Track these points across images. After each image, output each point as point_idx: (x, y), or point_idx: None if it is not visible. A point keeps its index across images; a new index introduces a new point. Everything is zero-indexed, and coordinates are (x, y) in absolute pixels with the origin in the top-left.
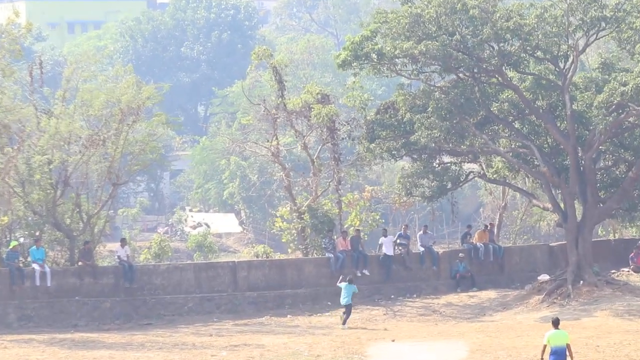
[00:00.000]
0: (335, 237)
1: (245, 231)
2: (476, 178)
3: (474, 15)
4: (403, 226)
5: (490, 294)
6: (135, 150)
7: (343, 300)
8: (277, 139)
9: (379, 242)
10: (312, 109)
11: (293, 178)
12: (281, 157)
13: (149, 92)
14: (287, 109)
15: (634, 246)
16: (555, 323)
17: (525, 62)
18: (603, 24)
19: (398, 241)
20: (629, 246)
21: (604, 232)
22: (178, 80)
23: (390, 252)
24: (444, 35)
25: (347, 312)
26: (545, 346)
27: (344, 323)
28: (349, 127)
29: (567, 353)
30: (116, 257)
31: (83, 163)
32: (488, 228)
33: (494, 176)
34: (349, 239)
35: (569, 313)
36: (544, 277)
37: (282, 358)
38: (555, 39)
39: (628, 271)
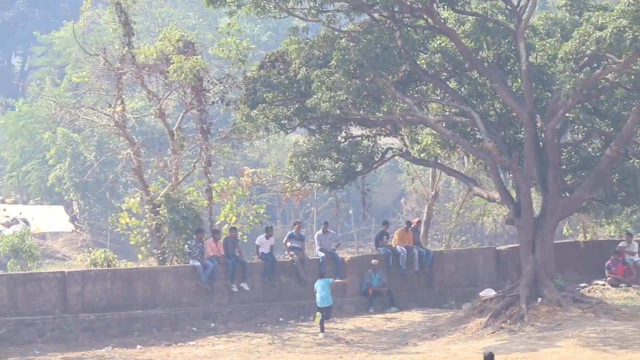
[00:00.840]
0: (204, 238)
1: (78, 230)
2: (396, 157)
3: None
4: (295, 223)
5: (414, 316)
6: None
7: (322, 301)
8: (122, 103)
9: (256, 243)
10: (171, 62)
11: (145, 157)
12: (128, 128)
13: None
14: (137, 61)
15: (612, 250)
16: (488, 358)
17: None
18: None
19: (289, 244)
20: (604, 250)
21: (571, 232)
22: None
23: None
24: None
25: (327, 315)
26: None
27: (322, 330)
28: (222, 87)
29: None
30: None
31: None
32: (412, 226)
33: (421, 155)
34: (221, 241)
35: (522, 341)
36: (488, 292)
37: None
38: None
39: (603, 285)
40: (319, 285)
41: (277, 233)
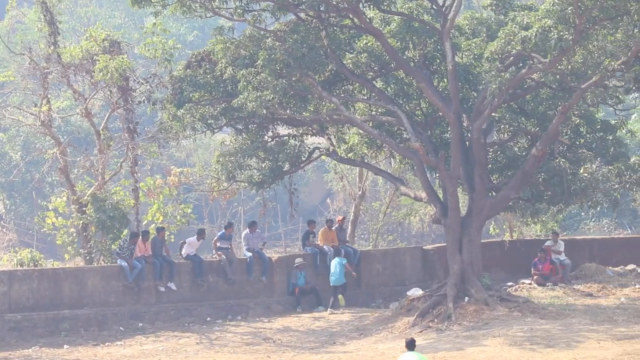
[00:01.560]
0: (140, 238)
1: (4, 230)
2: (323, 157)
3: None
4: (228, 226)
5: (342, 316)
6: None
7: (335, 280)
8: (48, 102)
9: (186, 242)
10: (97, 62)
11: (71, 157)
12: (54, 127)
13: None
14: (62, 61)
15: (539, 249)
16: (410, 345)
17: None
18: None
19: (218, 244)
20: (531, 250)
21: (497, 231)
22: None
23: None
24: None
25: (341, 291)
26: None
27: (333, 307)
28: (149, 87)
29: None
30: None
31: None
32: (336, 225)
33: (348, 154)
34: (149, 241)
35: (449, 340)
36: (416, 291)
37: None
38: None
39: (530, 284)
40: (333, 264)
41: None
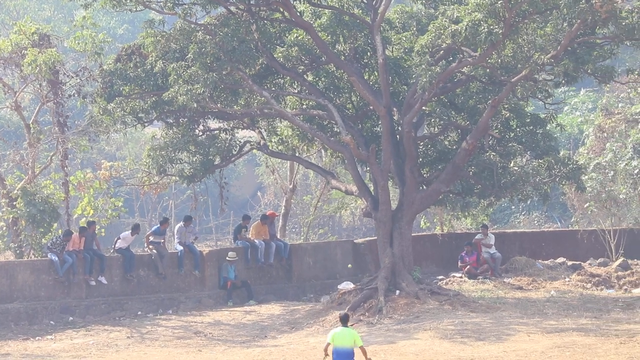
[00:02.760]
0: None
1: None
2: (254, 150)
3: None
4: (164, 221)
5: (273, 309)
6: None
7: None
8: None
9: (120, 236)
10: (26, 55)
11: (1, 150)
12: None
13: None
14: None
15: (466, 242)
16: (344, 319)
17: None
18: None
19: (151, 238)
20: (461, 243)
21: (428, 224)
22: None
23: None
24: None
25: None
26: (328, 345)
27: None
28: (79, 80)
29: (363, 357)
30: None
31: None
32: (268, 219)
33: (279, 148)
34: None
35: (381, 334)
36: (347, 285)
37: None
38: None
39: (460, 277)
40: None
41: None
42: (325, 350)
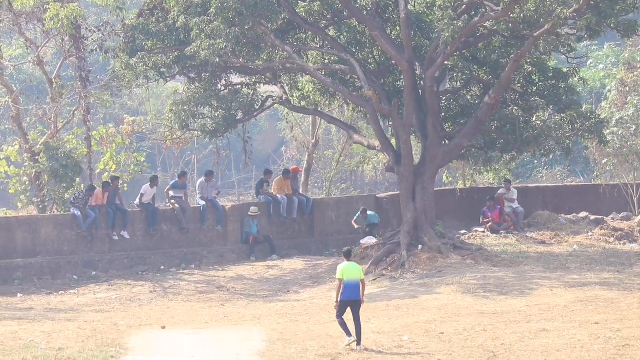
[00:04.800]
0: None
1: None
2: (277, 105)
3: None
4: (182, 175)
5: (295, 264)
6: None
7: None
8: (0, 50)
9: (141, 192)
10: (48, 10)
11: (24, 105)
12: (6, 75)
13: None
14: (14, 9)
15: (488, 197)
16: (347, 254)
17: None
18: None
19: (171, 193)
20: (484, 198)
21: (450, 179)
22: None
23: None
24: None
25: None
26: (340, 282)
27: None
28: (101, 35)
29: (361, 289)
30: None
31: None
32: (290, 174)
33: (301, 103)
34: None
35: (403, 288)
36: (369, 240)
37: (10, 353)
38: None
39: (483, 232)
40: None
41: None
42: (339, 289)
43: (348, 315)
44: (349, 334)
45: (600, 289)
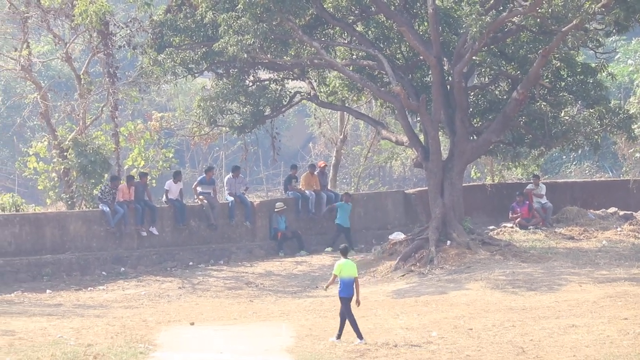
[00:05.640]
0: (125, 183)
1: None
2: (304, 101)
3: None
4: (208, 170)
5: (324, 260)
6: None
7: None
8: (28, 47)
9: (165, 187)
10: (77, 6)
11: (52, 101)
12: (35, 72)
13: None
14: (42, 5)
15: (517, 192)
16: (344, 252)
17: None
18: None
19: (199, 189)
20: (512, 193)
21: (478, 175)
22: None
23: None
24: None
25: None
26: (335, 276)
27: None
28: (129, 31)
29: (355, 286)
30: None
31: None
32: (318, 170)
33: (329, 98)
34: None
35: (432, 284)
36: (398, 235)
37: (39, 349)
38: None
39: (512, 227)
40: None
41: (186, 177)
42: (332, 282)
43: (351, 315)
44: (360, 336)
45: (630, 284)
